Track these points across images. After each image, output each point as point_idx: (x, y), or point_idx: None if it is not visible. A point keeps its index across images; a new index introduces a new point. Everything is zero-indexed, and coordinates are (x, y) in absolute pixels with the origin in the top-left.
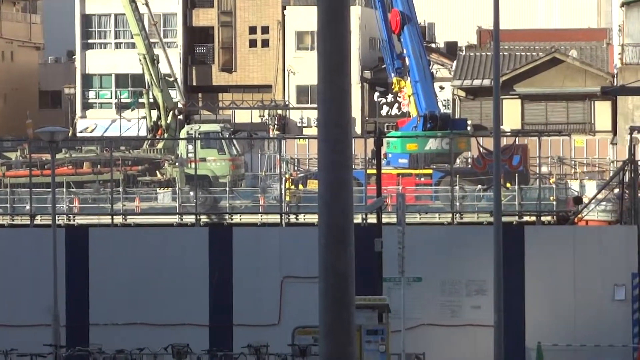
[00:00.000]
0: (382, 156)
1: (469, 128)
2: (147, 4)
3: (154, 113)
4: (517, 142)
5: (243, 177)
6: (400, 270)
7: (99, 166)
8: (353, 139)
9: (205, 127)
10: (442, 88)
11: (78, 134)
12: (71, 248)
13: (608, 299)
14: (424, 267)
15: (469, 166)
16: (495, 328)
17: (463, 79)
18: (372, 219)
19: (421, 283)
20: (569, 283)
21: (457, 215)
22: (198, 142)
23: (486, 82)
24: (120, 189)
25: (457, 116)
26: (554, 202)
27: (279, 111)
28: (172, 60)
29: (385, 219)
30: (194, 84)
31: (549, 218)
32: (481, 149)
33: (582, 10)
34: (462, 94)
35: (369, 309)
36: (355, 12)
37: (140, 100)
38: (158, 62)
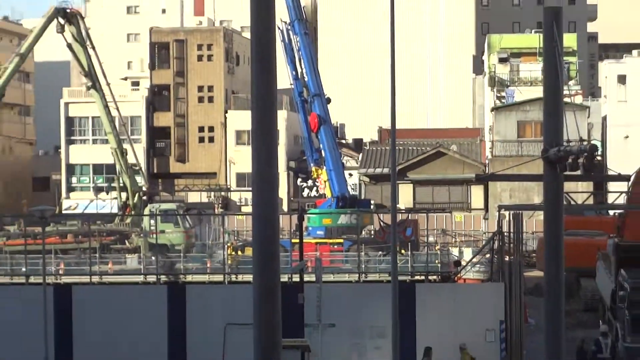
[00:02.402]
0: (303, 229)
1: (372, 206)
2: (117, 109)
3: (124, 195)
4: (409, 218)
5: (194, 245)
6: (318, 318)
7: (79, 237)
8: (280, 216)
9: (164, 206)
10: (350, 175)
11: (63, 211)
12: (58, 301)
13: (482, 341)
14: (337, 316)
15: (372, 236)
16: None
17: (367, 167)
18: (295, 278)
19: (334, 328)
20: (451, 328)
21: (363, 275)
22: (158, 217)
23: (385, 170)
24: (97, 255)
25: (362, 197)
26: (439, 265)
27: (222, 193)
28: (137, 153)
29: (306, 278)
30: (155, 171)
31: (434, 277)
32: (381, 223)
33: (461, 113)
34: (367, 179)
35: (293, 349)
36: (282, 115)
37: (112, 185)
38: (126, 154)
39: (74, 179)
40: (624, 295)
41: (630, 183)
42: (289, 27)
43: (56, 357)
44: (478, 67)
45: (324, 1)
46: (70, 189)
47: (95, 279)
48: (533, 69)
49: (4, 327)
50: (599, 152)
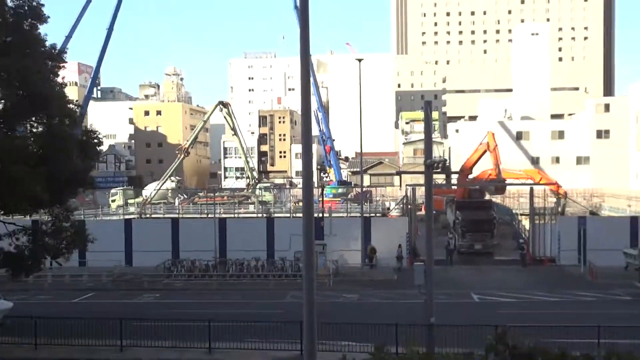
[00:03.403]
0: (324, 194)
1: (352, 184)
2: (245, 143)
3: (247, 180)
4: (368, 189)
5: (277, 202)
6: (330, 231)
7: (229, 197)
8: (313, 188)
9: (265, 184)
10: (343, 171)
11: (222, 187)
12: (220, 226)
13: (398, 243)
14: (337, 231)
15: (353, 198)
16: (361, 252)
17: (351, 168)
18: (320, 215)
19: (337, 236)
20: (386, 237)
21: (349, 213)
22: (262, 189)
23: (358, 169)
24: (237, 205)
25: (348, 180)
26: (381, 209)
27: (290, 179)
28: (254, 162)
29: (325, 215)
30: (260, 170)
31: (380, 215)
32: (356, 192)
33: (389, 145)
34: (350, 174)
35: (319, 245)
36: (315, 147)
37: (243, 175)
38: (249, 163)
39: (227, 173)
40: (458, 222)
41: (457, 176)
42: (317, 109)
43: (220, 246)
44: (397, 125)
45: (333, 98)
46: (225, 177)
47: (236, 216)
48: (420, 127)
49: (195, 240)
50: (448, 162)
